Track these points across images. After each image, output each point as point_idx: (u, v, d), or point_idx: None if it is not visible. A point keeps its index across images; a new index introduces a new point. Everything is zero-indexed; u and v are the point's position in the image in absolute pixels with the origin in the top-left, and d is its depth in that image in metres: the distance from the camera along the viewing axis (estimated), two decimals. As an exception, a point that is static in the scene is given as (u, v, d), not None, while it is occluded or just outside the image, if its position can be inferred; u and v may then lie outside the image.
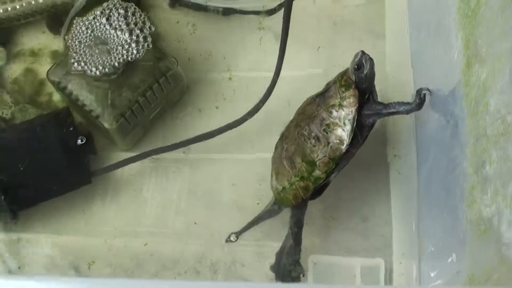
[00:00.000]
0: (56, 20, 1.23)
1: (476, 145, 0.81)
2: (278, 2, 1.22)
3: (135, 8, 1.10)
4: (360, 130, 0.95)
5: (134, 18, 1.09)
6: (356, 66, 0.93)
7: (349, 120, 0.93)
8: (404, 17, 1.17)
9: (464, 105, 0.85)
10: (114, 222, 1.12)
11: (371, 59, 0.93)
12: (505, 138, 0.72)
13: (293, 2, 1.02)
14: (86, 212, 1.12)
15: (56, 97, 1.19)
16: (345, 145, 0.94)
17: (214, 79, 1.22)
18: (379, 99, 0.98)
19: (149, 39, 1.07)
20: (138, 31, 1.07)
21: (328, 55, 1.21)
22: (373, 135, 1.00)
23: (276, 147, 1.06)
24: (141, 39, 1.07)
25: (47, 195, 1.09)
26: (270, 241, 1.08)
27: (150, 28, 1.08)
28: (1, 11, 1.20)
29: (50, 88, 1.18)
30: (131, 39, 1.07)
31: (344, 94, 0.94)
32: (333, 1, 1.26)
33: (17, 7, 1.20)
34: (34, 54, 1.24)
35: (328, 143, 0.95)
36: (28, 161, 1.07)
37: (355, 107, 0.93)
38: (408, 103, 0.95)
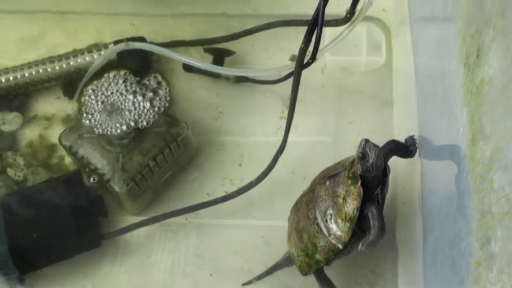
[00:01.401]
0: (71, 85, 1.25)
1: (482, 220, 0.81)
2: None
3: (156, 77, 1.14)
4: (360, 225, 0.92)
5: (150, 83, 1.12)
6: (360, 155, 0.89)
7: (349, 218, 0.90)
8: (411, 85, 1.16)
9: (470, 180, 0.86)
10: (122, 286, 1.12)
11: (376, 147, 0.89)
12: (510, 217, 0.72)
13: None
14: (94, 275, 1.12)
15: (67, 160, 1.20)
16: (342, 243, 0.92)
17: (225, 143, 1.24)
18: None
19: (163, 105, 1.11)
20: (152, 96, 1.10)
21: (335, 122, 1.21)
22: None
23: (291, 211, 1.06)
24: (156, 104, 1.10)
25: (56, 258, 1.09)
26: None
27: (166, 97, 1.11)
28: (19, 77, 1.22)
29: (61, 151, 1.20)
30: (145, 103, 1.09)
31: (349, 188, 0.90)
32: (340, 69, 1.27)
33: (33, 73, 1.22)
34: (48, 119, 1.25)
35: (329, 234, 0.93)
36: (38, 223, 1.08)
37: (357, 207, 0.89)
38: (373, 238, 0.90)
